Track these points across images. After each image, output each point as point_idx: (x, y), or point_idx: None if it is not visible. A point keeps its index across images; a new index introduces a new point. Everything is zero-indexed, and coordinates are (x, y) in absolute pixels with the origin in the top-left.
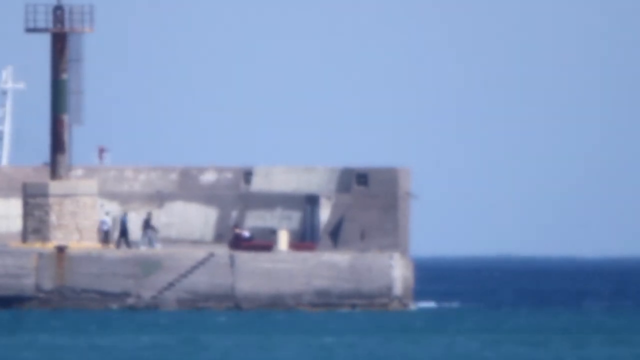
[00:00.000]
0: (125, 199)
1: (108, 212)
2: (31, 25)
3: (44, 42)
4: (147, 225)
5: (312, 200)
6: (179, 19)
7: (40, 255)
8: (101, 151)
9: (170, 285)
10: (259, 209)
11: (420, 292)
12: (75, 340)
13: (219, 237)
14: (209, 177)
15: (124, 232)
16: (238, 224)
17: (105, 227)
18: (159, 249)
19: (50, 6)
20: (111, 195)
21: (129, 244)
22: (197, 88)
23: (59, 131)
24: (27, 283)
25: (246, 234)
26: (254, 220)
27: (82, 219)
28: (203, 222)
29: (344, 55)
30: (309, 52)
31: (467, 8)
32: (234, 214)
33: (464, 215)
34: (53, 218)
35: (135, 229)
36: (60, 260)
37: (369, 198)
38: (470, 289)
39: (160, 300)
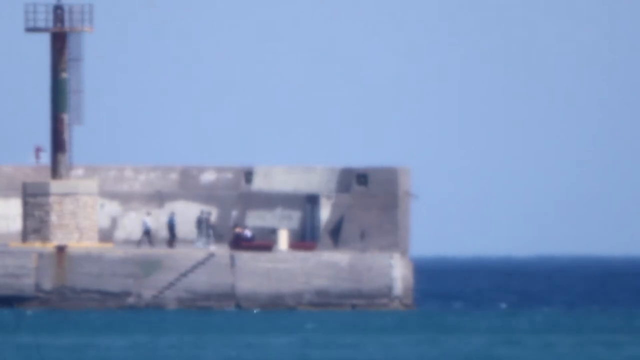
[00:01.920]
0: (125, 198)
1: (150, 212)
2: (31, 24)
3: (43, 42)
4: (207, 224)
5: (312, 200)
6: (179, 19)
7: (40, 255)
8: (37, 150)
9: (171, 285)
10: (259, 208)
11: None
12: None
13: (219, 237)
14: (209, 177)
15: (172, 232)
16: (240, 224)
17: (146, 227)
18: (213, 249)
19: (50, 6)
20: (111, 195)
21: (173, 244)
22: (197, 88)
23: (59, 130)
24: (27, 283)
25: (248, 233)
26: (254, 220)
27: (82, 218)
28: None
29: (344, 55)
30: (309, 52)
31: (468, 7)
32: (234, 213)
33: (464, 215)
34: (53, 218)
35: (136, 229)
36: (60, 260)
37: (369, 198)
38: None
39: (160, 300)
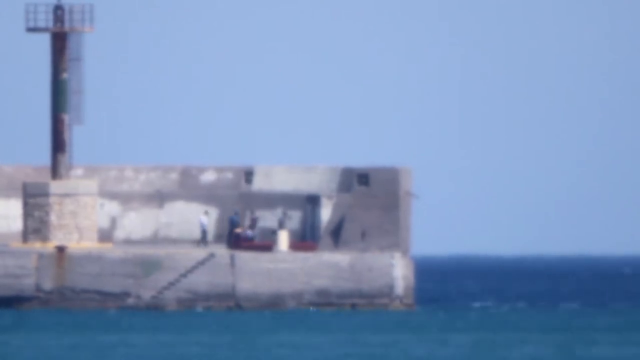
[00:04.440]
0: (125, 198)
1: (207, 211)
2: (31, 24)
3: (44, 42)
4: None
5: (312, 200)
6: (179, 19)
7: (41, 255)
8: None
9: (171, 285)
10: (259, 208)
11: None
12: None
13: (219, 237)
14: (209, 177)
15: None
16: (240, 224)
17: (203, 227)
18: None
19: (50, 6)
20: (111, 195)
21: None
22: (198, 87)
23: (60, 131)
24: (27, 283)
25: (249, 233)
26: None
27: (82, 218)
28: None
29: (345, 55)
30: (309, 52)
31: (468, 7)
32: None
33: (465, 215)
34: (53, 218)
35: (136, 229)
36: (60, 260)
37: (370, 198)
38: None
39: (160, 300)
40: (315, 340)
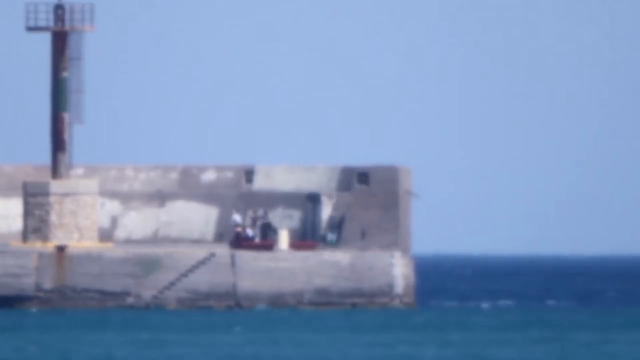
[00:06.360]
0: (125, 198)
1: (239, 210)
2: (32, 24)
3: (44, 41)
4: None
5: (313, 199)
6: (179, 18)
7: (41, 255)
8: None
9: (171, 284)
10: (259, 208)
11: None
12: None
13: (219, 237)
14: (209, 176)
15: (264, 232)
16: (240, 224)
17: (236, 225)
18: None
19: (50, 5)
20: (112, 194)
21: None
22: (198, 87)
23: (60, 130)
24: (28, 282)
25: (249, 233)
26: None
27: (82, 218)
28: (203, 221)
29: (345, 55)
30: (309, 52)
31: (468, 7)
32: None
33: (465, 214)
34: (53, 217)
35: (136, 229)
36: (61, 260)
37: (370, 197)
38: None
39: (160, 299)
40: (316, 340)
